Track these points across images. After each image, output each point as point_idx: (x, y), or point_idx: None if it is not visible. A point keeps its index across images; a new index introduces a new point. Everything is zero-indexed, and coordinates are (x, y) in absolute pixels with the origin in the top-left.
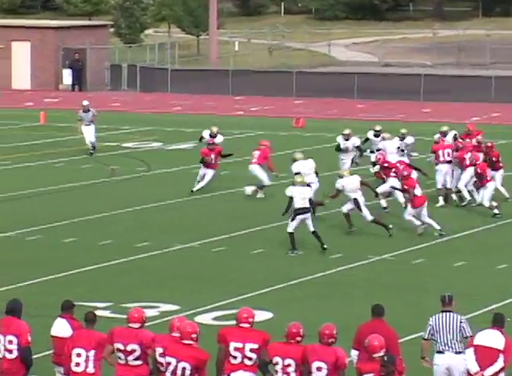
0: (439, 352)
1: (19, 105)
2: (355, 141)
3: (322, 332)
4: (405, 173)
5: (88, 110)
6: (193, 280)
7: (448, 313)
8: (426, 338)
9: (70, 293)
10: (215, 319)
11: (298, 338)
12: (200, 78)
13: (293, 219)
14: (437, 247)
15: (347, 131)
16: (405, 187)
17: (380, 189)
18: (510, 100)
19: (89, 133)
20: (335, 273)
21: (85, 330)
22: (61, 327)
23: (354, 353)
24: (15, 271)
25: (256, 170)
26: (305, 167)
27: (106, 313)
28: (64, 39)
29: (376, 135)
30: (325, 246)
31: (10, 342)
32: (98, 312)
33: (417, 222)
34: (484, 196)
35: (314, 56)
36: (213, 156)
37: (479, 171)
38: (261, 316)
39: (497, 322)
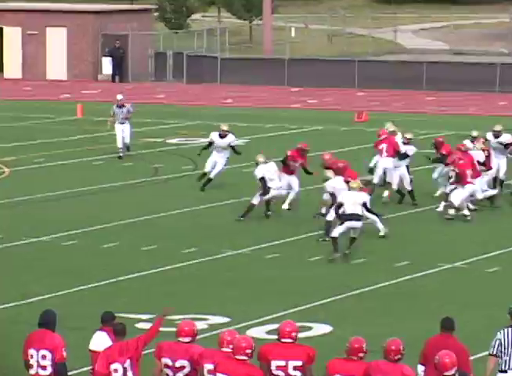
0: (502, 371)
1: (55, 97)
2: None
3: (388, 348)
4: (341, 165)
5: (123, 106)
6: (245, 290)
7: None
8: (494, 353)
9: (111, 303)
10: (269, 332)
11: (361, 354)
12: (253, 68)
13: (341, 224)
14: None
15: (409, 135)
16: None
17: None
18: None
19: (123, 133)
20: (401, 283)
21: (117, 343)
22: (101, 341)
23: (420, 369)
24: (49, 279)
25: (388, 164)
26: (269, 171)
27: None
28: (104, 25)
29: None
30: (348, 252)
31: (44, 357)
32: (141, 325)
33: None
34: (457, 195)
35: (378, 43)
36: (297, 165)
37: (458, 170)
38: (320, 329)
39: None
